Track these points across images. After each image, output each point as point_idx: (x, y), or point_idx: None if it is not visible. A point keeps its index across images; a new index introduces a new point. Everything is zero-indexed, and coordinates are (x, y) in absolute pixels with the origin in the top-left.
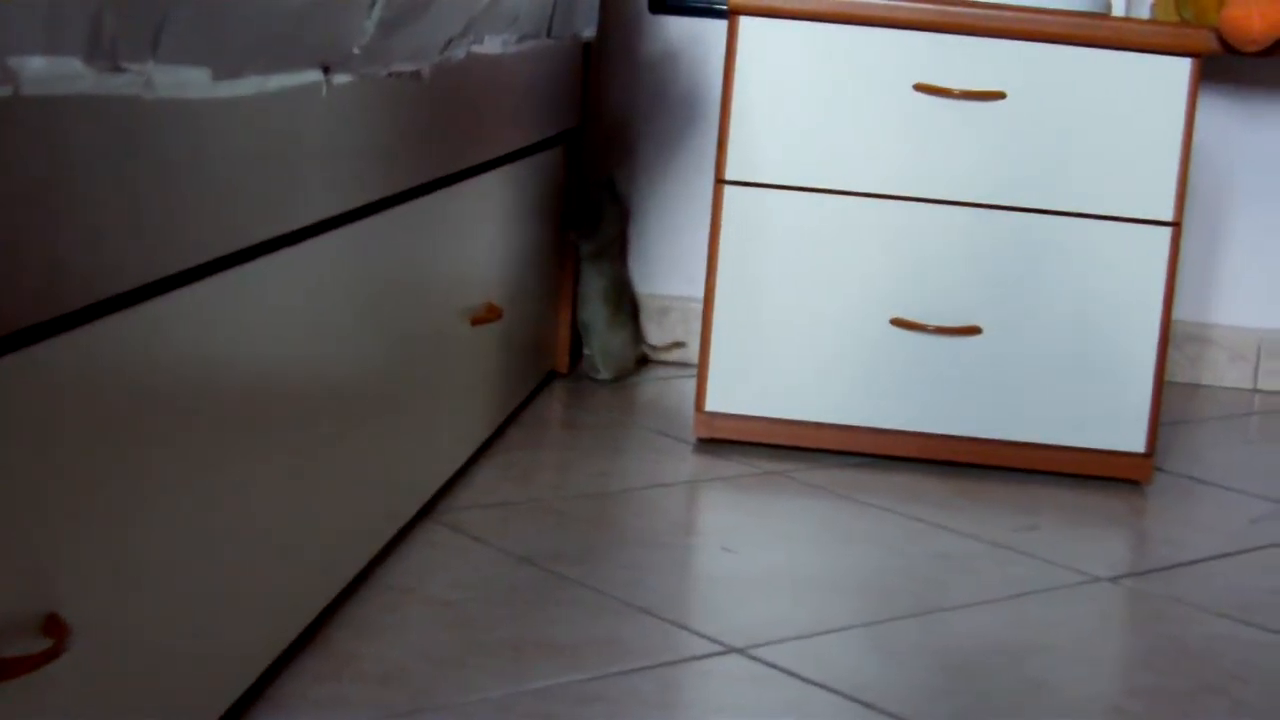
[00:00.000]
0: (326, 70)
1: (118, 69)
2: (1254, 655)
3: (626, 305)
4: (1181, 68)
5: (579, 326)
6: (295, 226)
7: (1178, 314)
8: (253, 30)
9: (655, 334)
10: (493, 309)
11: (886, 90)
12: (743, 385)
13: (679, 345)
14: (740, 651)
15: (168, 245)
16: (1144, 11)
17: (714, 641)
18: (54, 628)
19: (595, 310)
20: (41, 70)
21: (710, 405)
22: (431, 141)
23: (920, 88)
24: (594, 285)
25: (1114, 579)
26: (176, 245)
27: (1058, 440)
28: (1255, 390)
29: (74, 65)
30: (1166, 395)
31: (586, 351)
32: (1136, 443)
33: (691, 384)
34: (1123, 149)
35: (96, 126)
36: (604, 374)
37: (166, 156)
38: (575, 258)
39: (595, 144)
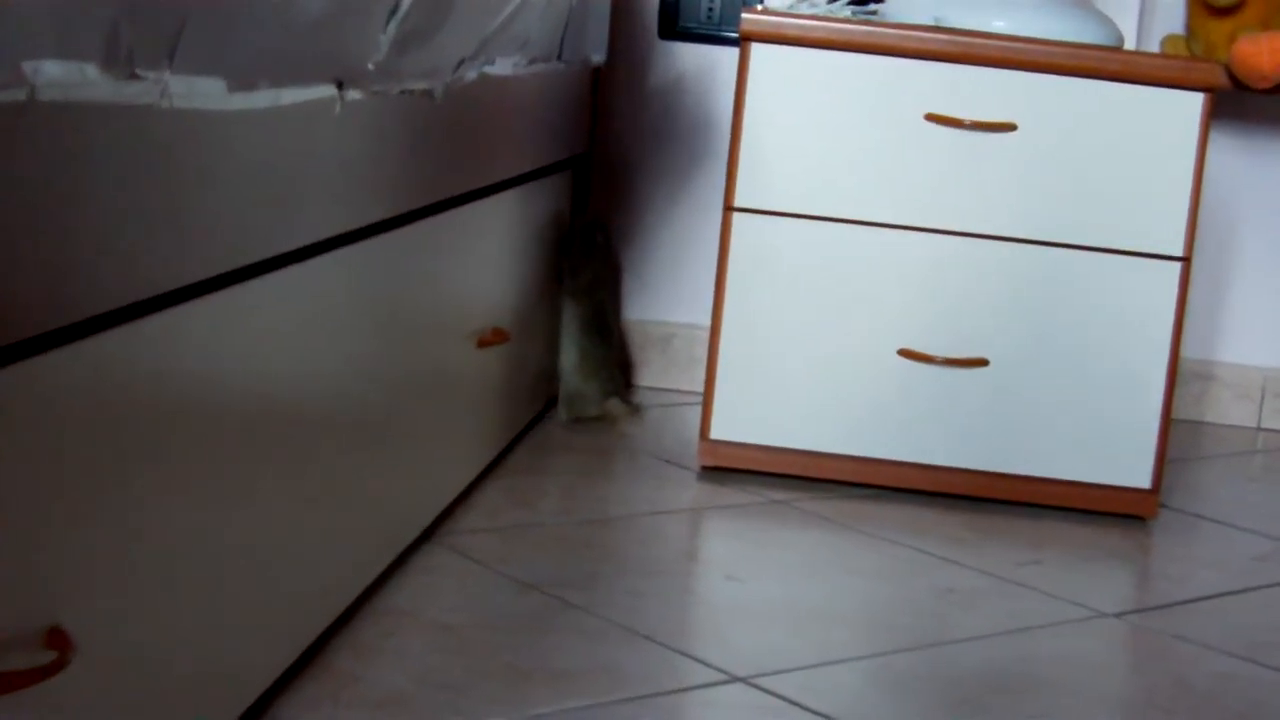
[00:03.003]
0: (340, 86)
1: (134, 77)
2: (1259, 694)
3: (597, 352)
4: (1193, 102)
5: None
6: (304, 243)
7: (1183, 351)
8: (269, 42)
9: (656, 373)
10: (499, 332)
11: (897, 120)
12: (748, 413)
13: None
14: (744, 681)
15: (176, 258)
16: (1154, 47)
17: (717, 670)
18: (57, 640)
19: (567, 354)
20: (56, 75)
21: (715, 433)
22: (441, 162)
23: (931, 118)
24: (568, 328)
25: (1119, 615)
26: (185, 259)
27: (1063, 474)
28: (1260, 429)
29: (89, 71)
30: (1171, 433)
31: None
32: (1142, 478)
33: (696, 411)
34: (1133, 183)
35: (110, 135)
36: (562, 414)
37: (179, 168)
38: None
39: (603, 169)
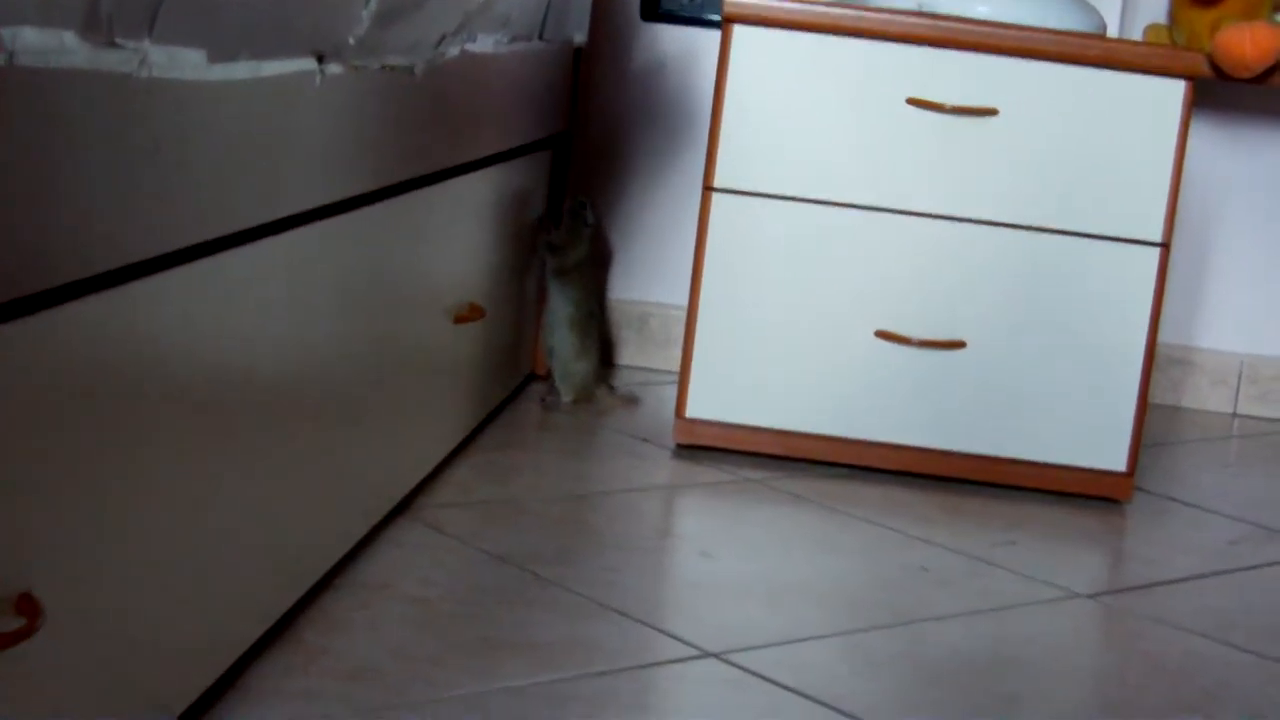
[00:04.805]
0: (321, 59)
1: (113, 45)
2: (1229, 674)
3: (593, 332)
4: (1175, 90)
5: (544, 350)
6: (281, 215)
7: (1160, 337)
8: (250, 13)
9: (633, 351)
10: (475, 309)
11: (879, 103)
12: (724, 392)
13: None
14: (716, 656)
15: (152, 227)
16: (1137, 35)
17: (690, 645)
18: (27, 606)
19: (562, 338)
20: (34, 42)
21: (691, 411)
22: (421, 138)
23: (913, 102)
24: (561, 312)
25: (1092, 596)
26: (161, 228)
27: (1039, 457)
28: (1235, 415)
29: (68, 39)
30: (1148, 417)
31: (550, 369)
32: (1118, 462)
33: (672, 390)
34: (1114, 169)
35: (88, 102)
36: (565, 397)
37: (157, 137)
38: (543, 275)
39: (583, 149)
